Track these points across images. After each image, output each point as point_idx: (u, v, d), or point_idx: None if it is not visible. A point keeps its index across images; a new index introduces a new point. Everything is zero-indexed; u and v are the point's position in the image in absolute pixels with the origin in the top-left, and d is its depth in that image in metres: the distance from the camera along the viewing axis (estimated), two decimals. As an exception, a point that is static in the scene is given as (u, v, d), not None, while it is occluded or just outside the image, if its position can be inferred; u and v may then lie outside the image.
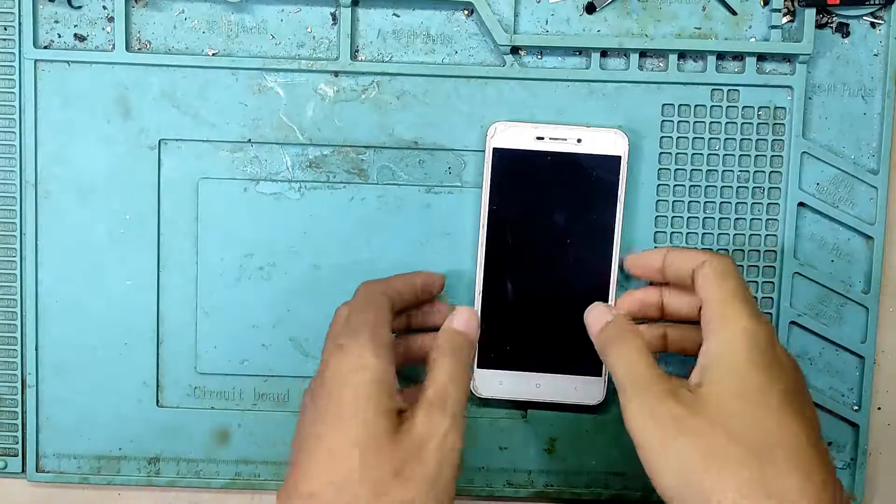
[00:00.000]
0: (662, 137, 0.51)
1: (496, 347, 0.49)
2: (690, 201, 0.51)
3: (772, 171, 0.51)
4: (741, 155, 0.51)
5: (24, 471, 0.53)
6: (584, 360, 0.48)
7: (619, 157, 0.48)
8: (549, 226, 0.48)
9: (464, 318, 0.43)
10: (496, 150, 0.48)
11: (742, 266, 0.51)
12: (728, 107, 0.51)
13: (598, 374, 0.49)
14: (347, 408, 0.37)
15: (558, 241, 0.48)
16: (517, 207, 0.48)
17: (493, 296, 0.48)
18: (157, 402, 0.53)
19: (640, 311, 0.48)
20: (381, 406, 0.37)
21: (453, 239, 0.51)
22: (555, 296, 0.48)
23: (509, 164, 0.47)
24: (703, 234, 0.51)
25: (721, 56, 0.51)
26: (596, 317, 0.45)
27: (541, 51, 0.51)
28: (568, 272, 0.48)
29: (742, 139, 0.51)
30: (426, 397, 0.38)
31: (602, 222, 0.48)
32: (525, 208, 0.48)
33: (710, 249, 0.50)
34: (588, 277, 0.48)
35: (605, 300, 0.48)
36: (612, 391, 0.48)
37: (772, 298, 0.52)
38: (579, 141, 0.47)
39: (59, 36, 0.51)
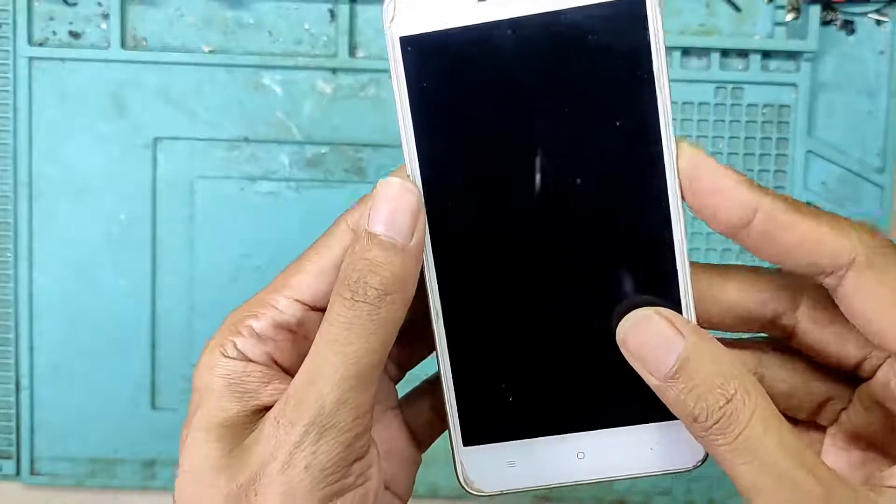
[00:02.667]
0: (665, 136, 0.50)
1: (489, 402, 0.26)
2: (694, 201, 0.51)
3: (777, 170, 0.51)
4: (746, 154, 0.50)
5: (18, 474, 0.53)
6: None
7: (642, 2, 0.24)
8: (534, 164, 0.25)
9: (377, 214, 0.24)
10: (406, 42, 0.25)
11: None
12: (732, 105, 0.50)
13: None
14: (190, 419, 0.25)
15: (556, 188, 0.25)
16: (468, 143, 0.25)
17: (463, 310, 0.26)
18: (153, 404, 0.52)
19: (738, 325, 0.27)
20: (218, 415, 0.25)
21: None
22: (573, 288, 0.26)
23: (436, 64, 0.25)
24: (708, 233, 0.51)
25: (725, 53, 0.50)
26: (653, 348, 0.24)
27: (542, 48, 0.50)
28: (588, 241, 0.25)
29: (746, 137, 0.50)
30: (283, 395, 0.24)
31: (632, 135, 0.25)
32: (482, 141, 0.25)
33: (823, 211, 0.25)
34: (627, 240, 0.25)
35: (669, 279, 0.25)
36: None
37: (776, 299, 0.51)
38: None
39: (54, 33, 0.51)
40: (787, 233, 0.23)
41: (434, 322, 0.26)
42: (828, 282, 0.24)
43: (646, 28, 0.24)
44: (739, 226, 0.23)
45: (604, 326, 0.25)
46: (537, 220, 0.25)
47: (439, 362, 0.26)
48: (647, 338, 0.24)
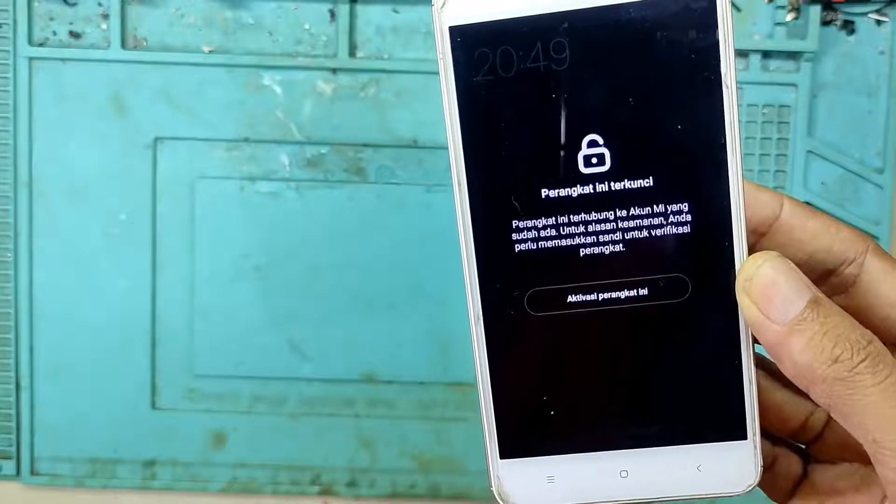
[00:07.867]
0: (665, 136, 0.50)
1: (529, 415, 0.25)
2: (694, 201, 0.51)
3: (777, 170, 0.51)
4: (746, 154, 0.50)
5: (18, 474, 0.53)
6: (711, 409, 0.25)
7: (712, 1, 0.23)
8: (590, 169, 0.24)
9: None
10: (456, 33, 0.24)
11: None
12: (732, 105, 0.50)
13: (739, 434, 0.25)
14: None
15: (613, 193, 0.24)
16: (521, 144, 0.24)
17: (505, 316, 0.25)
18: (153, 404, 0.52)
19: None
20: None
21: (454, 239, 0.50)
22: (623, 299, 0.25)
23: (488, 57, 0.24)
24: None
25: (725, 53, 0.50)
26: (782, 288, 0.22)
27: (542, 48, 0.50)
28: (645, 249, 0.25)
29: (746, 137, 0.50)
30: None
31: (696, 143, 0.24)
32: (536, 143, 0.24)
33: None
34: (684, 252, 0.24)
35: (724, 283, 0.24)
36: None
37: (776, 299, 0.51)
38: None
39: (55, 33, 0.51)
40: (811, 221, 0.25)
41: (473, 326, 0.25)
42: (849, 271, 0.25)
43: (716, 26, 0.23)
44: (773, 218, 0.25)
45: (653, 339, 0.25)
46: (589, 226, 0.24)
47: (477, 367, 0.25)
48: (777, 278, 0.22)
